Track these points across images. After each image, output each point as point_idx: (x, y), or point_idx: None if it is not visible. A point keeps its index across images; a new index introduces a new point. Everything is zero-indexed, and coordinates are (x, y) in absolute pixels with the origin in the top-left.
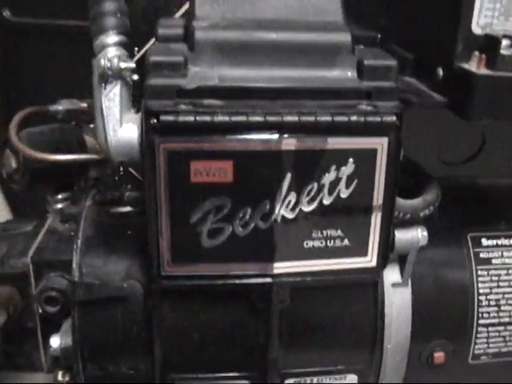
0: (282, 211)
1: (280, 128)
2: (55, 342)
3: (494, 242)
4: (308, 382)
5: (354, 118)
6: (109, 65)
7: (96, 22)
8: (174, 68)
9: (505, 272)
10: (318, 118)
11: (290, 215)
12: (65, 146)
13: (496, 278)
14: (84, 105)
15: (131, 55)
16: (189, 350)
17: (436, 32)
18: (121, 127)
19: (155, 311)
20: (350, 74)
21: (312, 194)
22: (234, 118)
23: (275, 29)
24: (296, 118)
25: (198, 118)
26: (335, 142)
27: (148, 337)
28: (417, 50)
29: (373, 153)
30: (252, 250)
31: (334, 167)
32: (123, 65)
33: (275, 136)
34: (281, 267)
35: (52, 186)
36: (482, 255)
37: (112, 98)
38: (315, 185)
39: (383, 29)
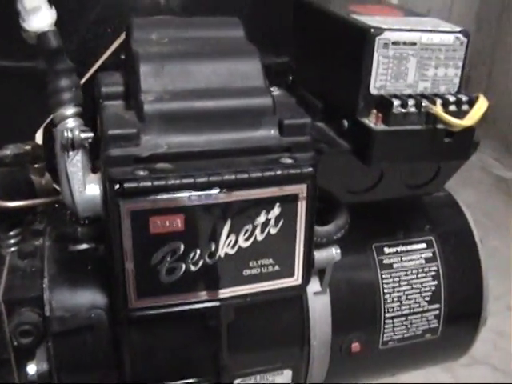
0: (225, 249)
1: (220, 185)
2: (32, 369)
3: (394, 249)
4: (252, 380)
5: (279, 172)
6: (71, 136)
7: (54, 96)
8: (129, 139)
9: (404, 274)
10: (250, 175)
11: (231, 251)
12: (15, 188)
13: (397, 279)
14: (28, 147)
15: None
16: (154, 365)
17: (341, 89)
18: (85, 188)
19: (123, 336)
20: (273, 132)
21: (248, 233)
22: (184, 181)
23: (209, 97)
24: (233, 177)
25: (154, 183)
26: (264, 192)
27: (115, 357)
28: (325, 100)
29: (295, 197)
30: (202, 281)
31: (264, 211)
32: (83, 135)
33: (216, 191)
34: (226, 292)
35: (3, 223)
36: (384, 261)
37: (75, 164)
38: (250, 226)
39: (292, 71)
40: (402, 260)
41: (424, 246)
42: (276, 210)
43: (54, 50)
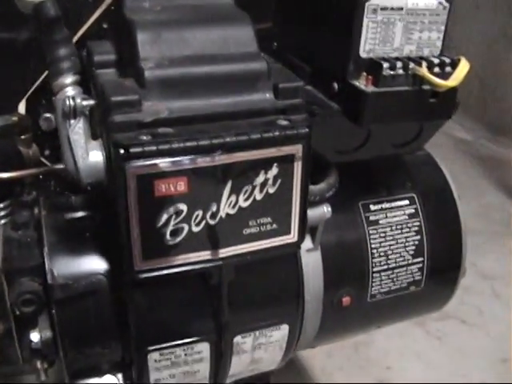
0: (226, 209)
1: (222, 147)
2: (35, 337)
3: (379, 206)
4: (252, 336)
5: (276, 133)
6: (73, 104)
7: (53, 66)
8: (132, 105)
9: (389, 229)
10: (250, 137)
11: (232, 211)
12: (4, 159)
13: (383, 235)
14: (15, 118)
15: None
16: (158, 325)
17: (331, 53)
18: (88, 155)
19: (128, 298)
20: (268, 95)
21: (247, 193)
22: (187, 144)
23: (206, 63)
24: (234, 139)
25: (159, 147)
26: (263, 153)
27: (117, 320)
28: (313, 64)
29: (291, 157)
30: (205, 241)
31: (262, 172)
32: (85, 102)
33: (218, 153)
34: (227, 251)
35: None
36: (371, 218)
37: (77, 132)
38: (250, 186)
39: (277, 37)
40: (386, 216)
41: (407, 202)
42: (274, 170)
43: (52, 19)
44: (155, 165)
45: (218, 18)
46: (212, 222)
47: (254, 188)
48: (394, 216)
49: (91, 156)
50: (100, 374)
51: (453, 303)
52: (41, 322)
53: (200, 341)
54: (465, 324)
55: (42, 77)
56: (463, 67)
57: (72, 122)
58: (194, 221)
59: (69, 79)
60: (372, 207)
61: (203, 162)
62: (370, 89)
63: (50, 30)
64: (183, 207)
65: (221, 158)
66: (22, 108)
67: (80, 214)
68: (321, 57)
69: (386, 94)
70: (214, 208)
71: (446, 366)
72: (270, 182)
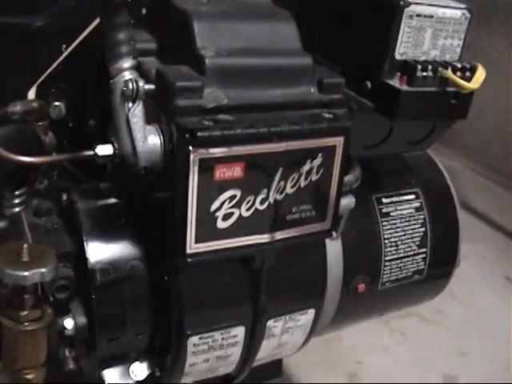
0: (274, 195)
1: (278, 136)
2: (69, 323)
3: (390, 199)
4: (283, 320)
5: (324, 125)
6: (135, 87)
7: (113, 50)
8: (194, 91)
9: (399, 221)
10: (303, 127)
11: (279, 197)
12: (25, 144)
13: (394, 226)
14: (35, 104)
15: None
16: (200, 309)
17: (365, 54)
18: (146, 139)
19: (173, 282)
20: (313, 89)
21: (294, 180)
22: (248, 131)
23: (260, 55)
24: (289, 128)
25: (224, 132)
26: (311, 143)
27: (152, 306)
28: (344, 64)
29: (334, 148)
30: (252, 226)
31: (309, 161)
32: (147, 87)
33: (274, 142)
34: (271, 236)
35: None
36: (383, 210)
37: (136, 115)
38: (297, 174)
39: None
40: (396, 209)
41: (413, 196)
42: (318, 160)
43: (117, 3)
44: (218, 150)
45: (263, 14)
46: (261, 208)
47: (300, 175)
48: (403, 209)
49: (149, 140)
50: (128, 361)
51: None
52: (74, 309)
53: (237, 324)
54: (425, 321)
55: (55, 64)
56: (481, 72)
57: (131, 105)
58: (245, 206)
59: (127, 63)
60: (384, 200)
61: (260, 149)
62: (405, 88)
63: (113, 14)
64: (237, 192)
65: (276, 146)
66: (31, 95)
67: (112, 200)
68: (353, 57)
69: (417, 93)
70: (264, 194)
71: (411, 360)
72: (314, 170)
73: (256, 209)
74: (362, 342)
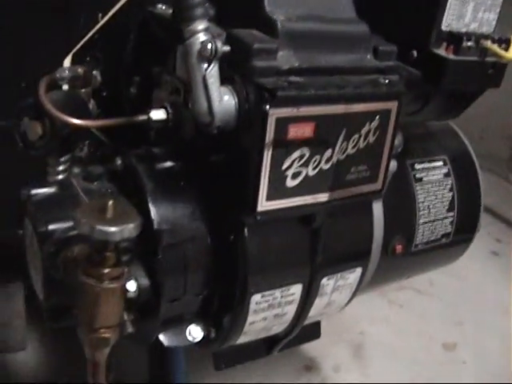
0: (338, 155)
1: (344, 98)
2: (132, 286)
3: (422, 166)
4: (334, 278)
5: (383, 90)
6: (214, 48)
7: (187, 12)
8: (270, 52)
9: (430, 186)
10: (365, 90)
11: (342, 157)
12: (74, 109)
13: (426, 190)
14: (81, 70)
15: None
16: (263, 268)
17: (412, 25)
18: (221, 99)
19: (239, 240)
20: (369, 56)
21: (355, 141)
22: (319, 92)
23: (323, 22)
24: (353, 91)
25: (301, 93)
26: (371, 106)
27: (213, 266)
28: (389, 34)
29: (389, 112)
30: (316, 185)
31: (368, 122)
32: (225, 48)
33: (341, 103)
34: (332, 195)
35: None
36: (417, 175)
37: (213, 75)
38: (357, 135)
39: None
40: (428, 174)
41: (441, 163)
42: (376, 122)
43: None
44: (293, 109)
45: None
46: (325, 167)
47: (360, 136)
48: (434, 174)
49: (224, 100)
50: (184, 323)
51: None
52: (135, 271)
53: (296, 282)
54: (420, 293)
55: (91, 33)
56: None
57: (206, 65)
58: (312, 165)
59: (202, 25)
60: (417, 166)
61: (329, 110)
62: (451, 57)
63: None
64: (306, 152)
65: (342, 108)
66: (67, 64)
67: (168, 163)
68: (399, 27)
69: (462, 62)
70: (329, 153)
71: (411, 329)
72: (372, 132)
73: (321, 168)
74: (363, 314)
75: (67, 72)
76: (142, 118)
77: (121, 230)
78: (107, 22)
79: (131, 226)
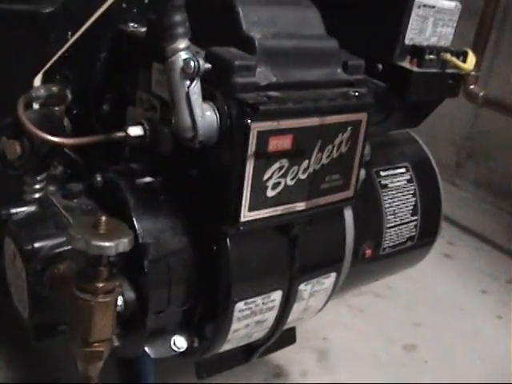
0: (313, 165)
1: (319, 111)
2: (118, 300)
3: (387, 173)
4: (311, 283)
5: (353, 102)
6: (197, 65)
7: (169, 32)
8: (250, 69)
9: (395, 192)
10: (338, 103)
11: (317, 167)
12: (50, 127)
13: (392, 196)
14: (55, 89)
15: None
16: (245, 276)
17: (377, 39)
18: (203, 114)
19: (223, 251)
20: (339, 70)
21: (329, 151)
22: (297, 106)
23: (296, 39)
24: (327, 104)
25: (281, 107)
26: (343, 117)
27: (196, 277)
28: (354, 48)
29: (359, 122)
30: (294, 194)
31: (340, 133)
32: (206, 65)
33: (316, 116)
34: (308, 204)
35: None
36: (382, 182)
37: (196, 92)
38: (331, 146)
39: None
40: (392, 181)
41: (404, 170)
42: (347, 133)
43: None
44: (273, 123)
45: (290, 1)
46: (302, 177)
47: (333, 147)
48: (398, 181)
49: (206, 115)
50: (167, 335)
51: None
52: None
53: (275, 289)
54: (379, 297)
55: (61, 51)
56: (472, 56)
57: (188, 83)
58: (291, 175)
59: (183, 44)
60: (382, 173)
61: (306, 122)
62: (415, 69)
63: None
64: (285, 163)
65: (317, 120)
66: (37, 82)
67: (148, 179)
68: (364, 42)
69: (425, 74)
70: (306, 164)
71: (372, 332)
72: (344, 142)
73: (298, 178)
74: (326, 320)
75: (42, 91)
76: (120, 134)
77: (116, 245)
78: (77, 40)
79: (125, 240)
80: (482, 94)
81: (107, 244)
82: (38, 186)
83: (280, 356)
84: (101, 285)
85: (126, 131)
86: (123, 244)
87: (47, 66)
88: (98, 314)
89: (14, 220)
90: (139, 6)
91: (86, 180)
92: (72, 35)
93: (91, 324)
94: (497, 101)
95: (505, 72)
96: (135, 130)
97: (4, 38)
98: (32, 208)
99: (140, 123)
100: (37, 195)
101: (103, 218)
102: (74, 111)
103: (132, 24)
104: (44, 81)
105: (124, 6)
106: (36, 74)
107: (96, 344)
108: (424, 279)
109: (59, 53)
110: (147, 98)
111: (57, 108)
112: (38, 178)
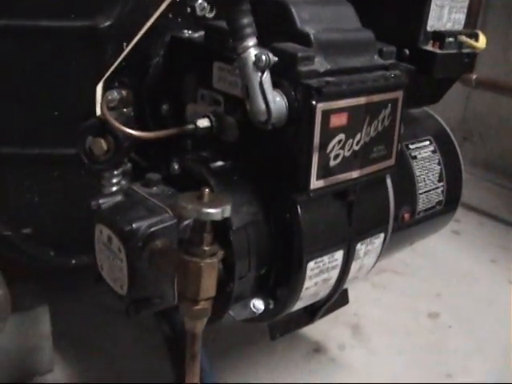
0: (364, 138)
1: (367, 91)
2: None
3: (415, 145)
4: (365, 243)
5: (392, 82)
6: (268, 58)
7: (239, 32)
8: (309, 59)
9: (423, 161)
10: (380, 84)
11: (367, 139)
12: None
13: (421, 166)
14: (125, 92)
15: None
16: (314, 238)
17: (402, 28)
18: (275, 100)
19: (293, 217)
20: (376, 56)
21: (374, 126)
22: (350, 87)
23: (341, 32)
24: (372, 85)
25: (339, 89)
26: (384, 96)
27: (270, 244)
28: (384, 37)
29: (397, 100)
30: (350, 164)
31: (383, 110)
32: (274, 58)
33: (364, 95)
34: (362, 172)
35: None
36: (412, 154)
37: (267, 81)
38: (376, 120)
39: None
40: (420, 153)
41: (428, 142)
42: (388, 109)
43: None
44: (333, 103)
45: (330, 0)
46: (356, 148)
47: (378, 122)
48: (424, 152)
49: (277, 101)
50: (245, 299)
51: (384, 260)
52: None
53: (338, 249)
54: (398, 274)
55: (118, 61)
56: (483, 36)
57: (260, 74)
58: (347, 147)
59: (252, 41)
60: (411, 146)
61: (358, 101)
62: (438, 51)
63: (240, 1)
64: (342, 136)
65: (366, 99)
66: (99, 90)
67: (219, 163)
68: (392, 31)
69: (446, 54)
70: (358, 137)
71: (398, 306)
72: (386, 117)
73: (353, 149)
74: (353, 298)
75: (115, 94)
76: (191, 127)
77: (222, 210)
78: (131, 49)
79: (228, 207)
80: (474, 76)
81: (214, 211)
82: (115, 180)
83: (316, 333)
84: (207, 248)
85: (195, 124)
86: (228, 210)
87: (107, 75)
88: (205, 274)
89: (105, 208)
90: (183, 16)
91: (159, 171)
92: (127, 46)
93: (200, 283)
94: (489, 82)
95: (493, 53)
96: (203, 122)
97: (67, 52)
98: (118, 197)
99: (206, 116)
100: (114, 188)
101: (206, 191)
102: (132, 113)
103: (186, 31)
104: (104, 88)
105: (170, 16)
106: (98, 83)
107: (203, 302)
108: (438, 254)
109: (116, 62)
110: (209, 93)
111: (125, 109)
112: (115, 172)
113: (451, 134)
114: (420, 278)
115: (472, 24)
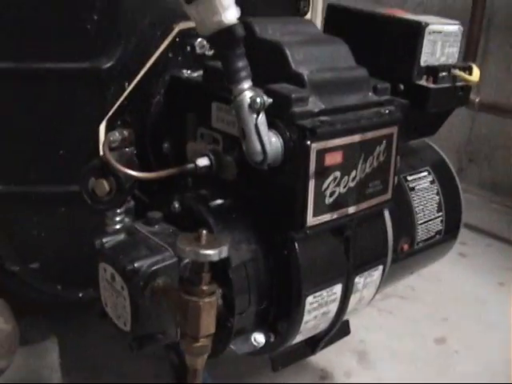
0: (359, 174)
1: (362, 129)
2: None
3: (413, 177)
4: (364, 276)
5: (386, 118)
6: (263, 101)
7: (234, 75)
8: (303, 100)
9: (421, 193)
10: (374, 121)
11: (362, 176)
12: (128, 166)
13: (419, 197)
14: (126, 132)
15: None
16: (312, 273)
17: (397, 64)
18: (271, 141)
19: (293, 253)
20: (370, 93)
21: (370, 162)
22: (344, 126)
23: (334, 71)
24: (366, 123)
25: (334, 129)
26: (379, 132)
27: (270, 280)
28: (378, 73)
29: (391, 135)
30: (346, 200)
31: (378, 146)
32: (269, 100)
33: (359, 133)
34: (358, 207)
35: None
36: (410, 185)
37: (263, 123)
38: (371, 157)
39: None
40: (418, 184)
41: (426, 173)
42: (383, 145)
43: (240, 37)
44: (327, 142)
45: (325, 40)
46: (352, 185)
47: (373, 158)
48: (423, 183)
49: (272, 141)
50: (246, 333)
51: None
52: None
53: (337, 282)
54: (404, 299)
55: (120, 100)
56: (477, 69)
57: (259, 115)
58: (343, 184)
59: (247, 84)
60: (409, 178)
61: (352, 139)
62: (432, 86)
63: (235, 46)
64: (338, 174)
65: (360, 137)
66: (102, 129)
67: (218, 201)
68: (386, 67)
69: (440, 89)
70: (354, 174)
71: (404, 332)
72: (381, 153)
73: (349, 186)
74: (359, 324)
75: (117, 135)
76: (190, 166)
77: (219, 252)
78: (132, 89)
79: (225, 247)
80: (477, 100)
81: (212, 252)
82: (118, 218)
83: (322, 360)
84: (205, 288)
85: (195, 163)
86: (224, 251)
87: (110, 114)
88: (204, 313)
89: (108, 247)
90: (183, 55)
91: (160, 209)
92: (128, 85)
93: (200, 321)
94: (492, 105)
95: (494, 77)
96: (203, 161)
97: (71, 93)
98: (121, 236)
99: (205, 155)
100: (117, 226)
101: (204, 232)
102: (134, 152)
103: (185, 71)
104: (107, 127)
105: (170, 55)
106: (100, 122)
107: (203, 339)
108: (444, 278)
109: (119, 101)
110: (208, 132)
111: (127, 149)
112: (118, 210)
113: (449, 164)
114: (426, 302)
115: (473, 50)
